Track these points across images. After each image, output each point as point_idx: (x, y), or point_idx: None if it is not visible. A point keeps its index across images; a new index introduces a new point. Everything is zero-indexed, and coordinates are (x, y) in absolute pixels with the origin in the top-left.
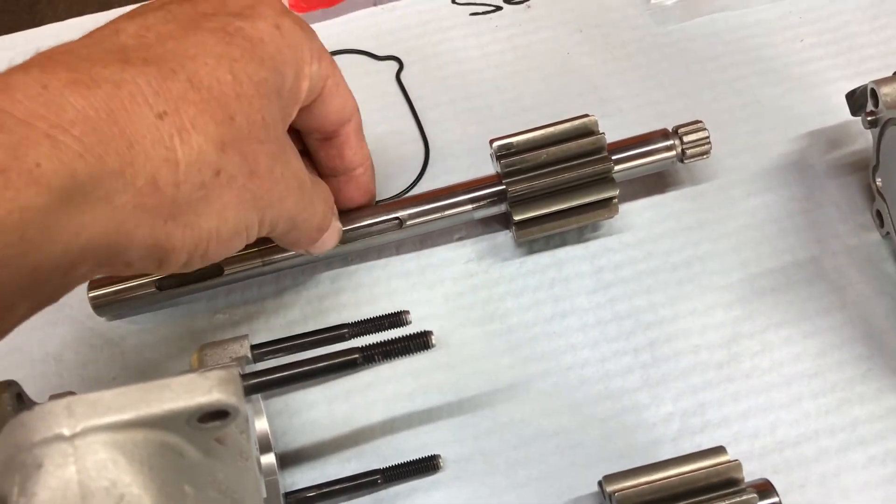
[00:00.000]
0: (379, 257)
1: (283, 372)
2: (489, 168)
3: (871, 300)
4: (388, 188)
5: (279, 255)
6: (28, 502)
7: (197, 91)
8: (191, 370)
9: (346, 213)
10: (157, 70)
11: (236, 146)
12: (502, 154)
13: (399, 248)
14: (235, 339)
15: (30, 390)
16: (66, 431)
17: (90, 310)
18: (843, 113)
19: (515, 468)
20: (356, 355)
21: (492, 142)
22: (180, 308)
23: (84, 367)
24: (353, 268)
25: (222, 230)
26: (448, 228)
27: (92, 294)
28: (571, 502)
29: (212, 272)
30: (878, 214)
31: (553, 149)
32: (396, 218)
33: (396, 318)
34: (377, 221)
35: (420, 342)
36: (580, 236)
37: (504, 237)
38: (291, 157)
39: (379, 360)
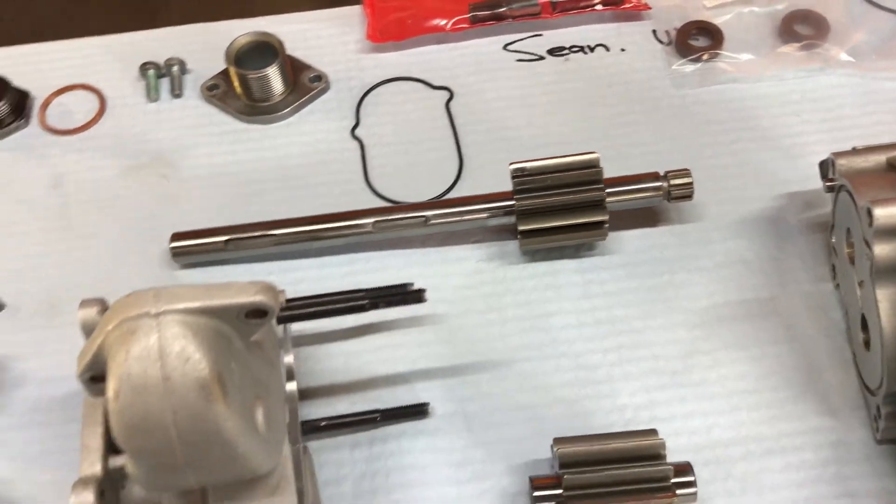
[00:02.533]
0: (407, 248)
1: (308, 308)
2: (507, 186)
3: (815, 339)
4: (423, 194)
5: (326, 235)
6: (125, 355)
7: None
8: None
9: (384, 208)
10: None
11: None
12: (517, 175)
13: (424, 243)
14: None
15: None
16: (153, 310)
17: (168, 257)
18: (820, 180)
19: (489, 429)
20: (364, 301)
21: (510, 164)
22: (240, 267)
23: None
24: (385, 253)
25: None
26: (466, 231)
27: (173, 244)
28: (530, 462)
29: None
30: (833, 268)
31: (559, 175)
32: (424, 216)
33: (417, 294)
34: (408, 216)
35: (415, 296)
36: (576, 253)
37: (512, 245)
38: None
39: (381, 307)
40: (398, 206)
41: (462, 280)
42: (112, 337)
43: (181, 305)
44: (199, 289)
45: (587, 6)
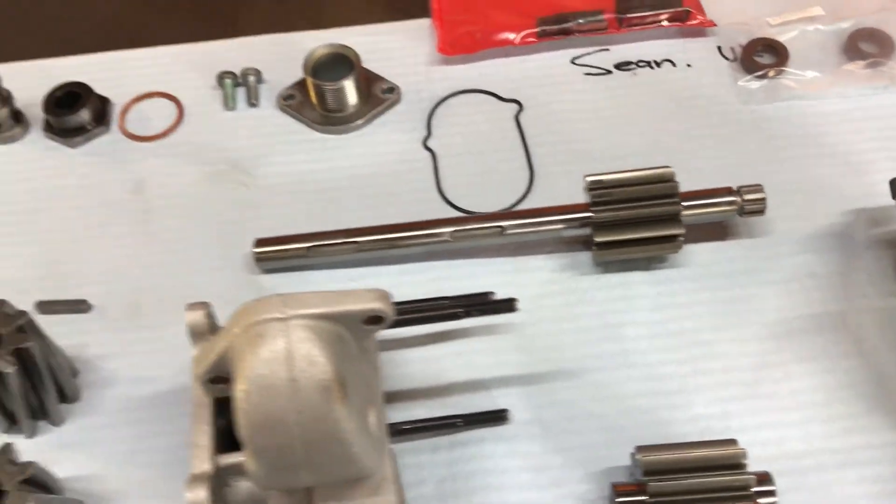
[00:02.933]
0: (481, 257)
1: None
2: (579, 198)
3: (883, 353)
4: (494, 203)
5: (405, 243)
6: (254, 357)
7: None
8: None
9: (462, 218)
10: None
11: None
12: (594, 187)
13: (498, 252)
14: None
15: None
16: (281, 315)
17: (249, 262)
18: (887, 197)
19: (565, 436)
20: (460, 309)
21: (586, 176)
22: (320, 273)
23: (237, 302)
24: (460, 261)
25: None
26: (539, 242)
27: (257, 250)
28: (607, 469)
29: None
30: None
31: (635, 188)
32: (500, 226)
33: (508, 303)
34: (485, 226)
35: (507, 305)
36: (647, 265)
37: (584, 256)
38: None
39: (474, 315)
40: (475, 216)
41: (536, 289)
42: (240, 340)
43: (307, 311)
44: (322, 295)
45: (654, 22)
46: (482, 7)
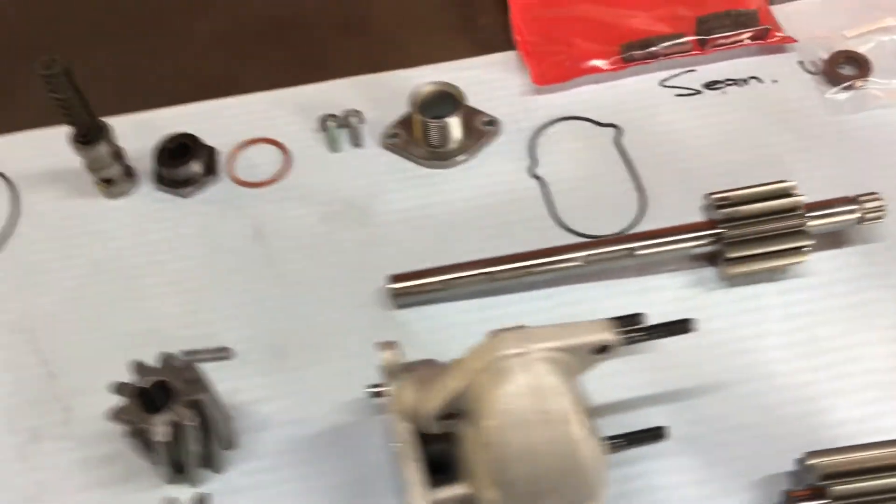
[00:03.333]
0: (606, 279)
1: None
2: (694, 216)
3: None
4: (608, 226)
5: (538, 270)
6: (501, 392)
7: None
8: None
9: (591, 242)
10: None
11: None
12: (720, 204)
13: (622, 274)
14: (518, 327)
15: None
16: (522, 351)
17: (378, 298)
18: None
19: (719, 449)
20: (644, 333)
21: (709, 195)
22: (454, 305)
23: (378, 338)
24: (586, 285)
25: None
26: (661, 262)
27: (393, 286)
28: (767, 477)
29: None
30: None
31: (761, 204)
32: (630, 248)
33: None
34: (616, 249)
35: (681, 327)
36: (771, 276)
37: (709, 272)
38: None
39: (655, 337)
40: (604, 240)
41: (666, 307)
42: (481, 378)
43: (546, 345)
44: (554, 329)
45: (736, 42)
46: (565, 37)
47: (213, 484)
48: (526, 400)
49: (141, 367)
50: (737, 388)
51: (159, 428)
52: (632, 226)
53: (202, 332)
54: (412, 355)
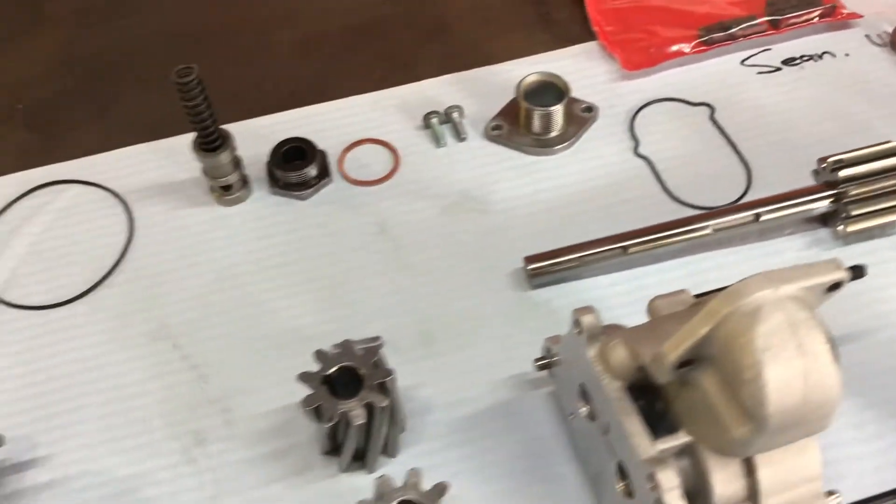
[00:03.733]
0: (730, 246)
1: None
2: (798, 183)
3: None
4: (719, 199)
5: (669, 242)
6: (757, 332)
7: None
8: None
9: (718, 212)
10: None
11: None
12: (837, 167)
13: (743, 240)
14: (679, 291)
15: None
16: (773, 290)
17: (511, 280)
18: None
19: (870, 392)
20: None
21: (823, 158)
22: (586, 282)
23: (520, 318)
24: (713, 252)
25: None
26: (781, 227)
27: (530, 266)
28: None
29: None
30: None
31: (875, 164)
32: (756, 213)
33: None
34: (742, 216)
35: (859, 272)
36: (883, 232)
37: (823, 233)
38: None
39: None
40: (729, 208)
41: None
42: (732, 320)
43: (794, 285)
44: (792, 270)
45: (806, 20)
46: (643, 25)
47: (388, 467)
48: (783, 336)
49: (322, 356)
50: (873, 336)
51: (357, 411)
52: (742, 196)
53: (342, 326)
54: (553, 331)
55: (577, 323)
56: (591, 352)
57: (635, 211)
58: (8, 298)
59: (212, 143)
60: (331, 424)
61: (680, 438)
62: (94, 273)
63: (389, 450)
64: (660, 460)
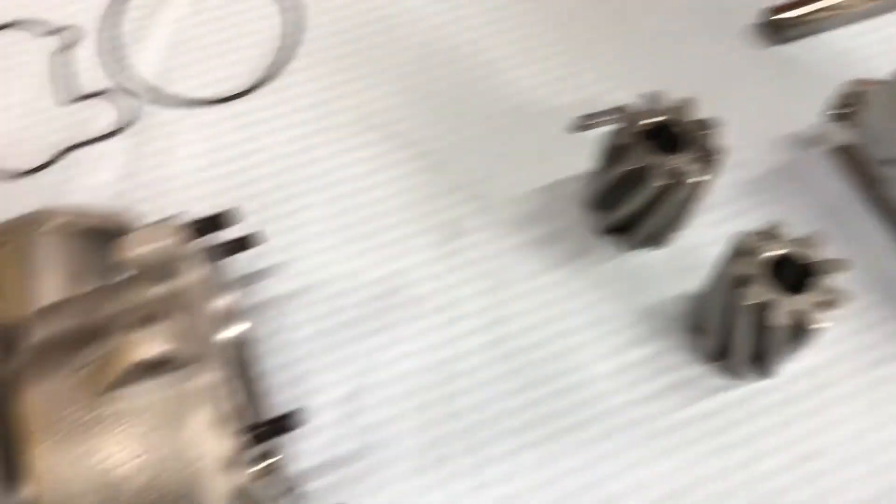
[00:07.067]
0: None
1: None
2: None
3: None
4: None
5: None
6: None
7: None
8: None
9: None
10: None
11: None
12: None
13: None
14: None
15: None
16: None
17: (751, 40)
18: None
19: None
20: None
21: None
22: (833, 34)
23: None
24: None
25: None
26: None
27: (774, 17)
28: None
29: None
30: None
31: None
32: None
33: None
34: None
35: None
36: None
37: None
38: None
39: None
40: None
41: None
42: None
43: None
44: None
45: None
46: None
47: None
48: None
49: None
50: None
51: (693, 167)
52: None
53: (580, 97)
54: (805, 92)
55: None
56: None
57: None
58: (172, 91)
59: None
60: (659, 185)
61: None
62: (263, 59)
63: (663, 238)
64: None
